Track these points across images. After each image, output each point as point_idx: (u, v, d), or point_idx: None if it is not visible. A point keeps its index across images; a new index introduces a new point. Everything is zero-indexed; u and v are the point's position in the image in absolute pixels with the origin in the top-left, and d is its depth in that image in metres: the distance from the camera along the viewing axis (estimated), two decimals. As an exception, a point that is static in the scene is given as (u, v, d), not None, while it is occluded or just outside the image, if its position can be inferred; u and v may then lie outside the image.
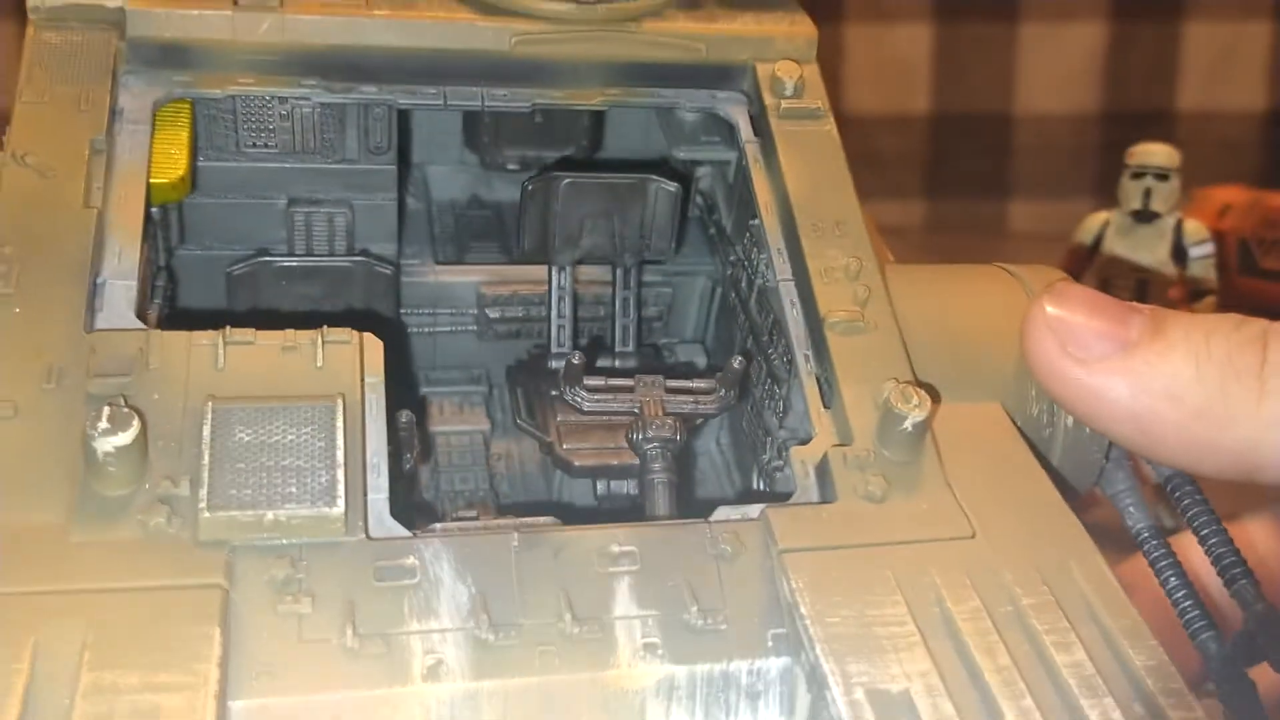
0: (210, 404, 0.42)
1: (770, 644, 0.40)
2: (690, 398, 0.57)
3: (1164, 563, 0.49)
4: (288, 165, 0.64)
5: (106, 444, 0.39)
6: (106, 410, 0.40)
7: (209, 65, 0.54)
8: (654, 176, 0.62)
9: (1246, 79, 2.15)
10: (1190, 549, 0.50)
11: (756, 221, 0.55)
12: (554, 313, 0.65)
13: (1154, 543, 0.50)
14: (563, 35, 0.57)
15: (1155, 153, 1.33)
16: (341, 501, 0.40)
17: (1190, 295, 1.36)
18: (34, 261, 0.46)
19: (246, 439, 0.41)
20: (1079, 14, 2.13)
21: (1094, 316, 0.47)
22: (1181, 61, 2.14)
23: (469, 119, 0.70)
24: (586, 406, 0.57)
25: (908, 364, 0.49)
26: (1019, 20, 2.13)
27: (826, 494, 0.46)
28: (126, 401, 0.41)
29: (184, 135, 0.55)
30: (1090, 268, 1.38)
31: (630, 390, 0.57)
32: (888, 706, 0.37)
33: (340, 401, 0.43)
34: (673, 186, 0.62)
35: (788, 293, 0.52)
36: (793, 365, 0.51)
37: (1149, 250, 1.34)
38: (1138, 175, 1.33)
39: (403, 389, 0.66)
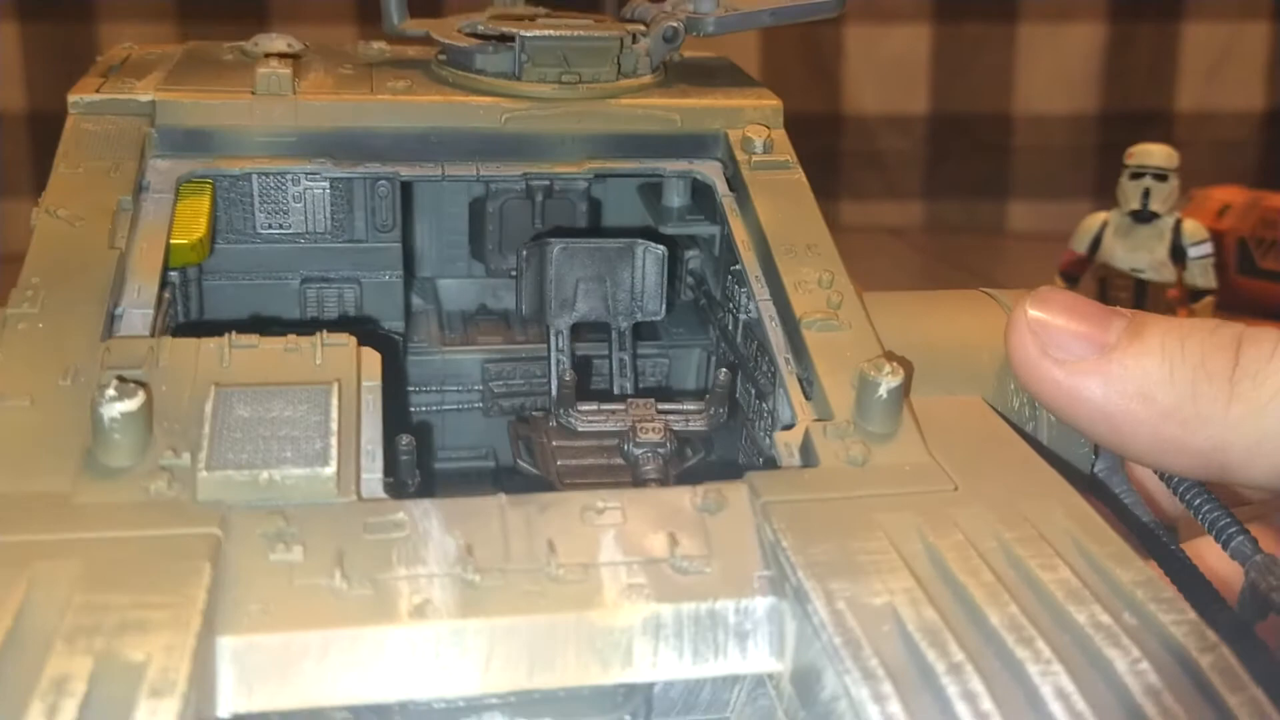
0: (214, 387, 0.45)
1: (756, 585, 0.40)
2: (681, 416, 0.60)
3: (1165, 552, 0.50)
4: (301, 246, 0.69)
5: (113, 409, 0.41)
6: (114, 381, 0.42)
7: (229, 148, 0.60)
8: (641, 240, 0.66)
9: (1245, 79, 2.15)
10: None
11: (738, 266, 0.58)
12: (553, 374, 0.67)
13: (1157, 535, 0.51)
14: (549, 112, 0.63)
15: (1154, 153, 1.33)
16: (334, 463, 0.42)
17: (1189, 295, 1.37)
18: (59, 289, 0.49)
19: (246, 415, 0.43)
20: (1078, 15, 2.13)
21: (1074, 320, 0.49)
22: (1180, 62, 2.15)
23: (474, 231, 0.75)
24: (580, 427, 0.59)
25: (882, 351, 0.51)
26: (1018, 21, 2.13)
27: (809, 462, 0.46)
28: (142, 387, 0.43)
29: (205, 204, 0.60)
30: (1089, 268, 1.39)
31: (623, 411, 0.59)
32: (870, 615, 0.37)
33: (336, 385, 0.45)
34: (659, 249, 0.66)
35: (766, 310, 0.55)
36: (776, 376, 0.52)
37: (1148, 251, 1.34)
38: (1136, 175, 1.33)
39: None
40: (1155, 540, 0.51)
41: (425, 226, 0.76)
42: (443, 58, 0.67)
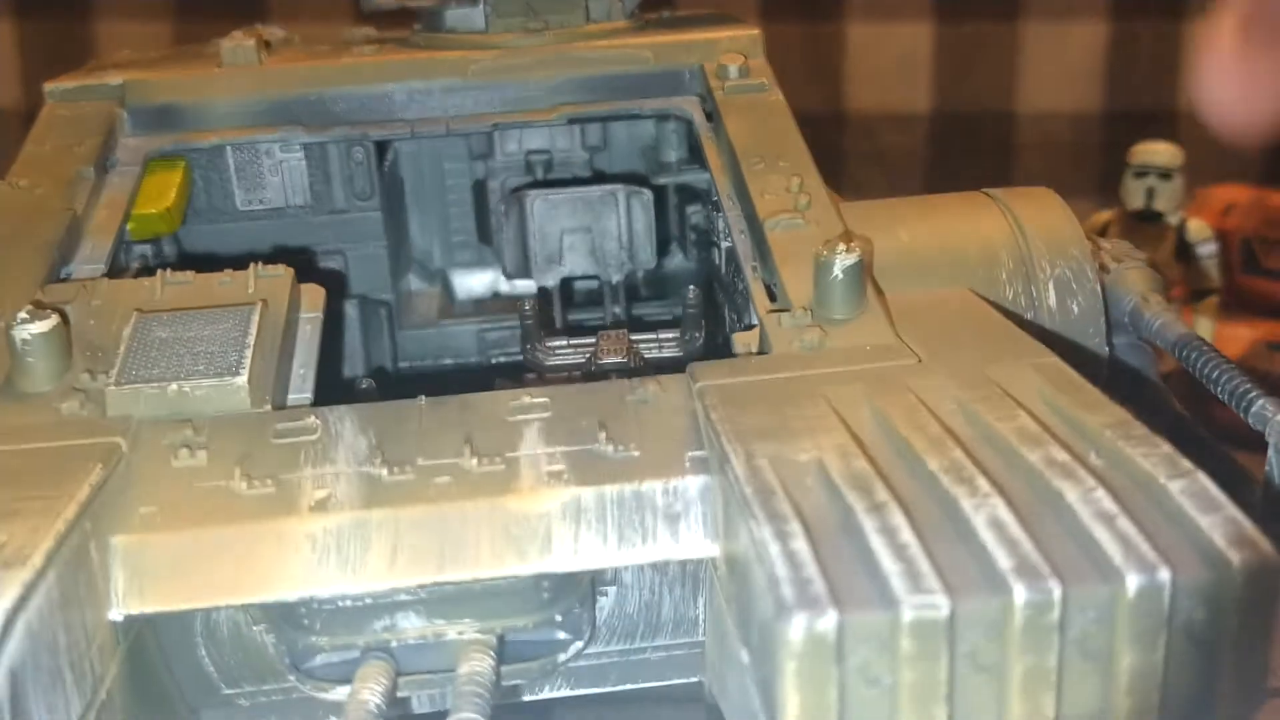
0: (135, 314, 0.44)
1: (688, 466, 0.37)
2: (654, 343, 0.58)
3: (1183, 428, 0.47)
4: (281, 221, 0.69)
5: (24, 331, 0.41)
6: (28, 307, 0.42)
7: (198, 123, 0.60)
8: (624, 185, 0.66)
9: (1249, 77, 2.14)
10: None
11: (718, 198, 0.56)
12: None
13: (1175, 411, 0.48)
14: (515, 61, 0.62)
15: (1158, 152, 1.33)
16: (245, 374, 0.41)
17: (1193, 295, 1.36)
18: (8, 247, 0.49)
19: (164, 336, 0.43)
20: (1081, 13, 2.12)
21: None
22: (1184, 60, 2.14)
23: (479, 213, 0.74)
24: (549, 362, 0.58)
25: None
26: (1021, 19, 2.12)
27: (764, 350, 0.44)
28: (60, 315, 0.43)
29: (175, 177, 0.60)
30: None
31: (592, 344, 0.58)
32: (792, 469, 0.34)
33: (260, 305, 0.44)
34: (645, 193, 0.65)
35: (736, 224, 0.53)
36: (748, 292, 0.50)
37: (1152, 250, 1.33)
38: (1140, 174, 1.33)
39: None
40: (1175, 418, 0.48)
41: (430, 218, 0.76)
42: (417, 28, 0.68)
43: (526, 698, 0.44)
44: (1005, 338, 0.44)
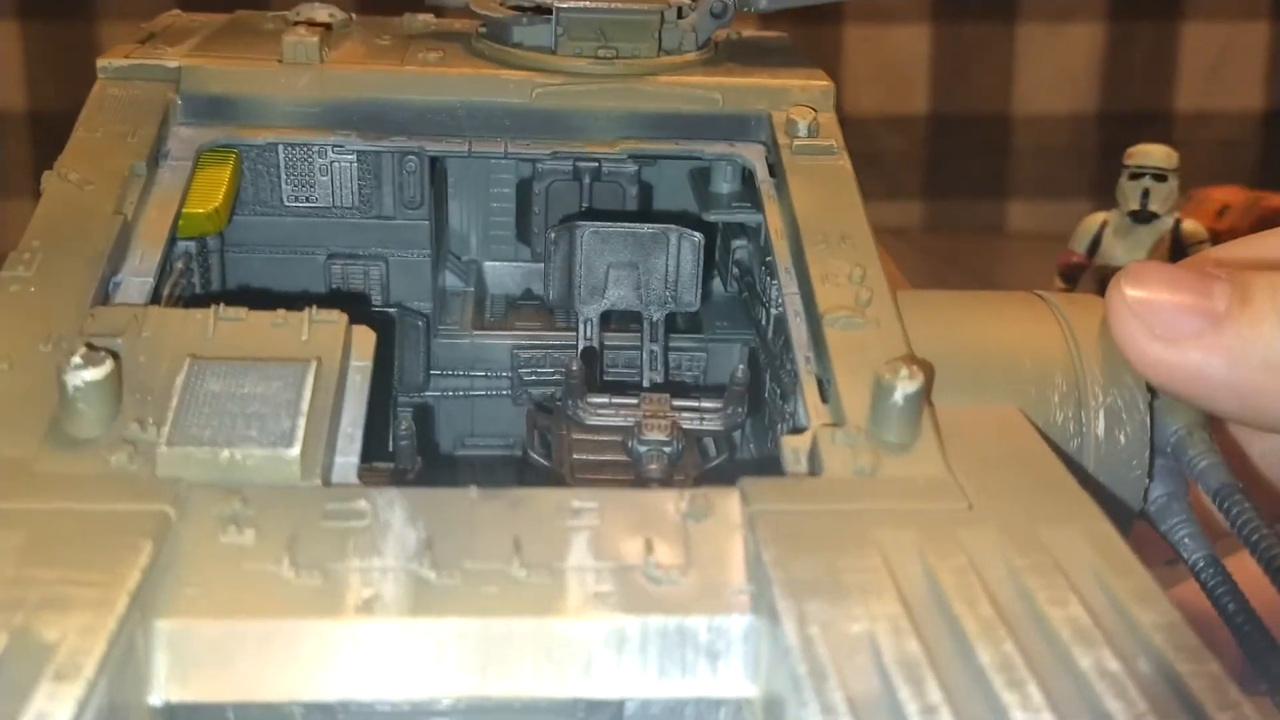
0: (188, 359, 0.43)
1: (734, 601, 0.36)
2: (696, 415, 0.56)
3: (1221, 589, 0.47)
4: (327, 220, 0.67)
5: (77, 378, 0.40)
6: (82, 349, 0.41)
7: (253, 117, 0.58)
8: (676, 226, 0.63)
9: (1244, 79, 2.15)
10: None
11: (771, 258, 0.55)
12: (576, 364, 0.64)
13: (1211, 570, 0.47)
14: (582, 88, 0.59)
15: (1153, 153, 1.33)
16: (299, 446, 0.40)
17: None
18: (56, 253, 0.48)
19: (217, 389, 0.42)
20: (1077, 15, 2.13)
21: (1175, 292, 0.46)
22: (1179, 62, 2.14)
23: (520, 212, 0.72)
24: (588, 420, 0.57)
25: (909, 351, 0.47)
26: (1017, 21, 2.13)
27: (814, 470, 0.43)
28: (113, 357, 0.42)
29: (225, 173, 0.58)
30: (1089, 268, 1.39)
31: (634, 405, 0.56)
32: (845, 643, 0.33)
33: (315, 364, 0.43)
34: (696, 236, 0.63)
35: (792, 304, 0.51)
36: (797, 378, 0.49)
37: (1147, 251, 1.34)
38: (1136, 176, 1.33)
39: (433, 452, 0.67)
40: (1215, 579, 0.47)
41: (470, 208, 0.74)
42: (483, 31, 0.64)
43: None
44: (1055, 485, 0.42)
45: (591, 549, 0.38)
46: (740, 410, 0.57)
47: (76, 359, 0.40)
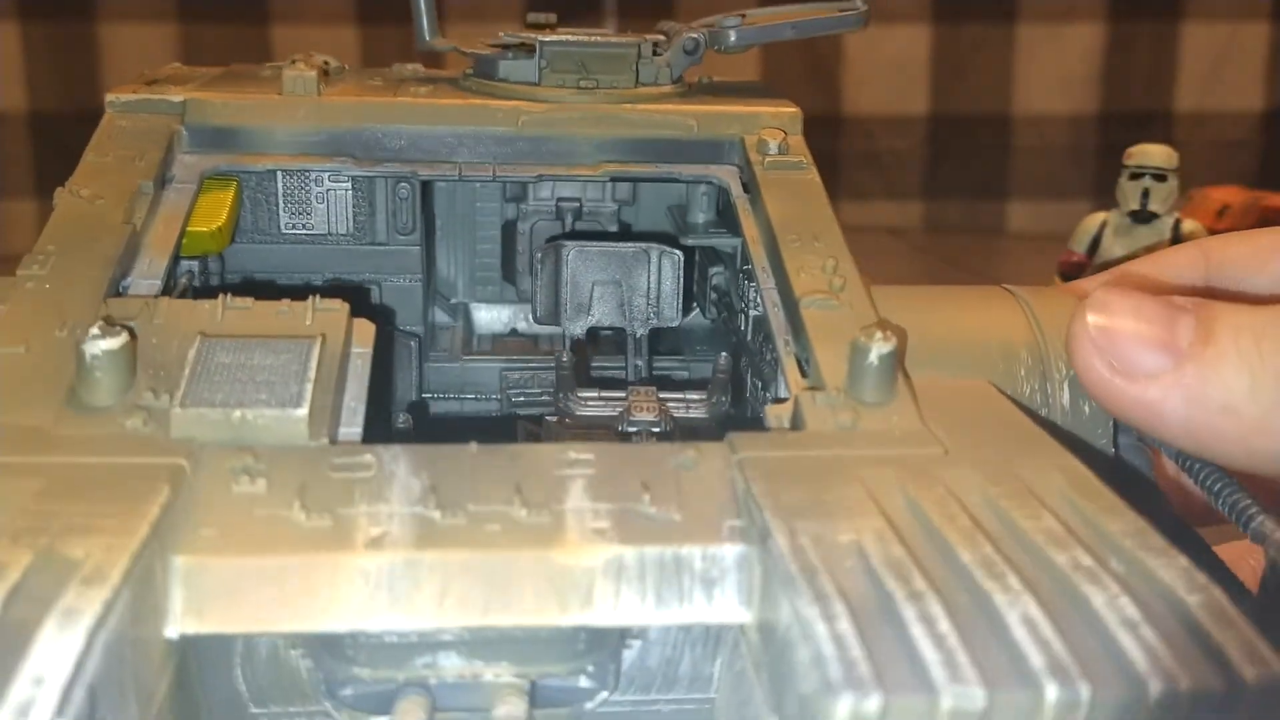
0: (199, 337, 0.45)
1: (726, 533, 0.38)
2: (682, 403, 0.59)
3: (1183, 533, 0.48)
4: (323, 247, 0.70)
5: (95, 347, 0.42)
6: (99, 322, 0.43)
7: (254, 146, 0.62)
8: (657, 245, 0.67)
9: (1244, 80, 2.15)
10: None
11: (749, 265, 0.58)
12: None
13: (1176, 518, 0.49)
14: (566, 115, 0.64)
15: (1153, 153, 1.33)
16: (307, 406, 0.42)
17: (1188, 295, 1.37)
18: (69, 256, 0.51)
19: (227, 361, 0.44)
20: (1077, 15, 2.13)
21: (1139, 323, 0.46)
22: (1179, 62, 2.15)
23: (506, 253, 0.76)
24: (579, 411, 0.59)
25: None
26: (1017, 21, 2.13)
27: (797, 427, 0.45)
28: (128, 332, 0.44)
29: (228, 196, 0.61)
30: (1089, 268, 1.39)
31: (623, 398, 0.59)
32: (834, 550, 0.36)
33: (320, 340, 0.46)
34: (676, 253, 0.66)
35: (770, 297, 0.54)
36: (779, 364, 0.51)
37: (1147, 250, 1.35)
38: (1136, 176, 1.34)
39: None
40: (1174, 523, 0.48)
41: (457, 252, 0.78)
42: (470, 71, 0.69)
43: None
44: (1026, 435, 0.45)
45: (589, 493, 0.40)
46: (724, 399, 0.59)
47: (94, 330, 0.43)
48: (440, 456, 0.41)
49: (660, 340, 0.72)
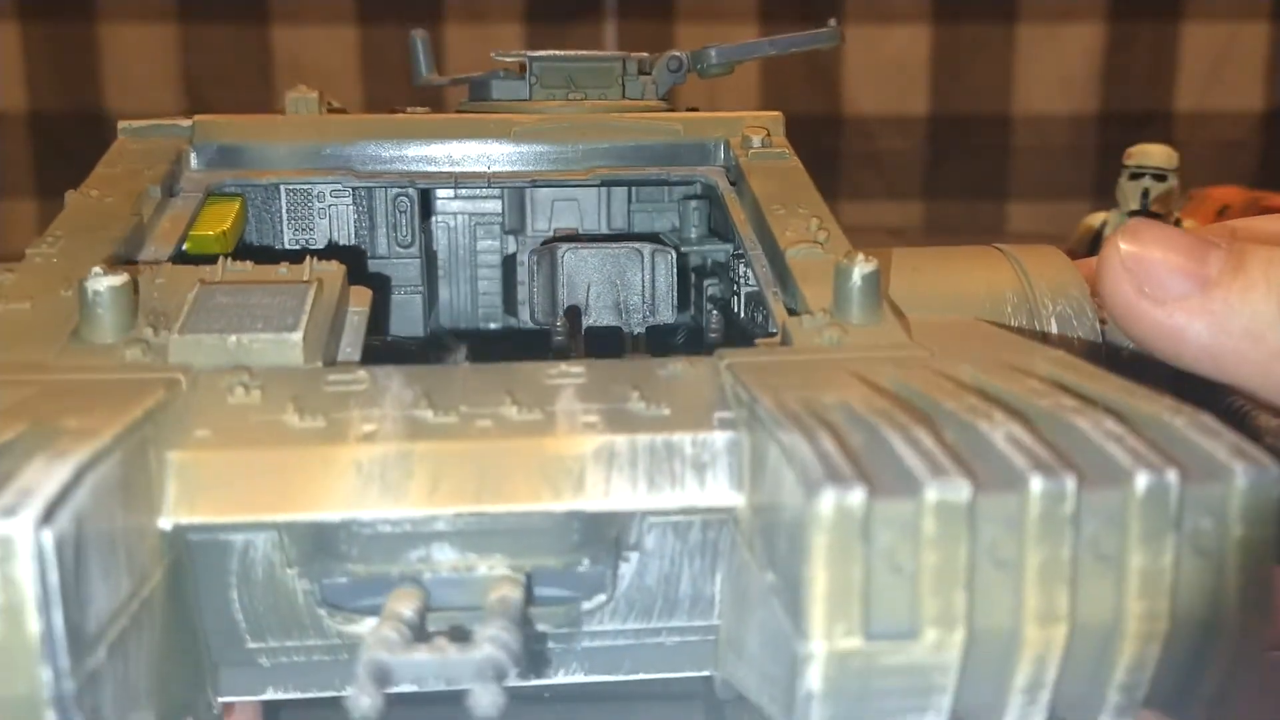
0: (199, 283, 0.47)
1: (716, 423, 0.39)
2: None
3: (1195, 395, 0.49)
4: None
5: (98, 283, 0.44)
6: (102, 264, 0.45)
7: (259, 164, 0.66)
8: (650, 243, 0.68)
9: (1244, 79, 2.15)
10: None
11: (740, 251, 0.59)
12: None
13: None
14: (555, 124, 0.67)
15: (1153, 153, 1.33)
16: (302, 330, 0.43)
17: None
18: (78, 239, 0.53)
19: (225, 301, 0.46)
20: (1077, 15, 2.13)
21: (1170, 253, 0.46)
22: (1179, 62, 2.15)
23: (506, 285, 0.79)
24: None
25: None
26: (1017, 21, 2.13)
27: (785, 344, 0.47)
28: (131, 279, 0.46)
29: (234, 206, 0.64)
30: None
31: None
32: (819, 406, 0.36)
33: (316, 283, 0.47)
34: (669, 251, 0.68)
35: (759, 260, 0.56)
36: (769, 317, 0.52)
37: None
38: (1136, 176, 1.33)
39: None
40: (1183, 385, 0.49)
41: (460, 287, 0.80)
42: (466, 101, 0.73)
43: (543, 680, 0.45)
44: (1014, 343, 0.46)
45: (579, 396, 0.41)
46: None
47: (97, 269, 0.44)
48: (433, 373, 0.43)
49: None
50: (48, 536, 0.30)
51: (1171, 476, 0.31)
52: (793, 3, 2.07)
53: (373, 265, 0.73)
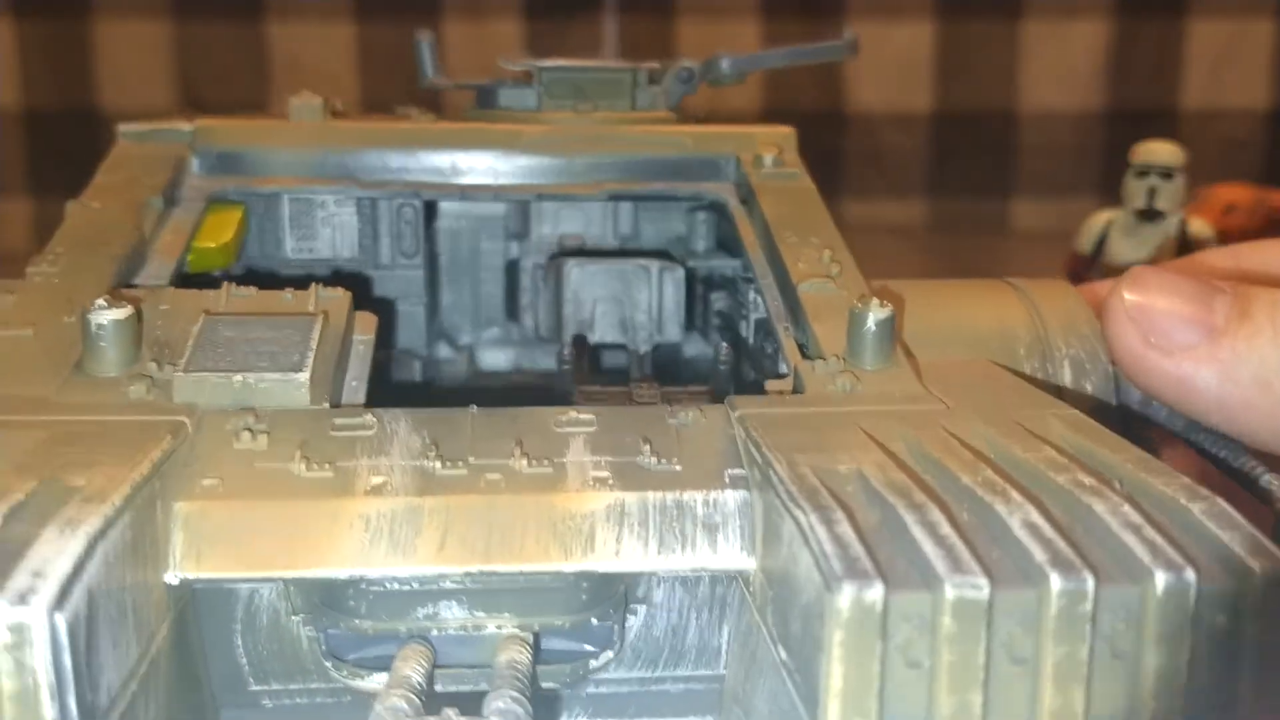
0: (203, 315, 0.46)
1: (728, 481, 0.39)
2: (683, 395, 0.59)
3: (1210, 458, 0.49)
4: (328, 273, 0.71)
5: (101, 317, 0.43)
6: (106, 296, 0.44)
7: (261, 171, 0.64)
8: (658, 261, 0.67)
9: (1250, 77, 2.14)
10: None
11: (749, 274, 0.58)
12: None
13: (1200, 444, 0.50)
14: (563, 137, 0.65)
15: (1159, 151, 1.32)
16: (308, 370, 0.43)
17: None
18: (79, 256, 0.52)
19: (231, 335, 0.45)
20: (1082, 12, 2.12)
21: (1175, 301, 0.46)
22: (1185, 59, 2.13)
23: (509, 291, 0.78)
24: (580, 403, 0.59)
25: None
26: (1022, 18, 2.12)
27: (797, 392, 0.46)
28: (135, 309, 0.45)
29: (235, 216, 0.63)
30: (1094, 266, 1.38)
31: (624, 392, 0.59)
32: (834, 476, 0.36)
33: (322, 317, 0.46)
34: (678, 270, 0.67)
35: (770, 291, 0.55)
36: (779, 351, 0.51)
37: (1153, 249, 1.33)
38: (1142, 174, 1.32)
39: None
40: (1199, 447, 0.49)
41: (462, 293, 0.79)
42: (472, 107, 0.71)
43: None
44: (1026, 394, 0.45)
45: (589, 447, 0.40)
46: (727, 391, 0.59)
47: (100, 302, 0.44)
48: (441, 418, 0.42)
49: (664, 369, 0.73)
50: (61, 621, 0.29)
51: (1190, 576, 0.31)
52: (794, -1, 2.06)
53: (375, 275, 0.72)
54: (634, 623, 0.43)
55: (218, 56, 2.00)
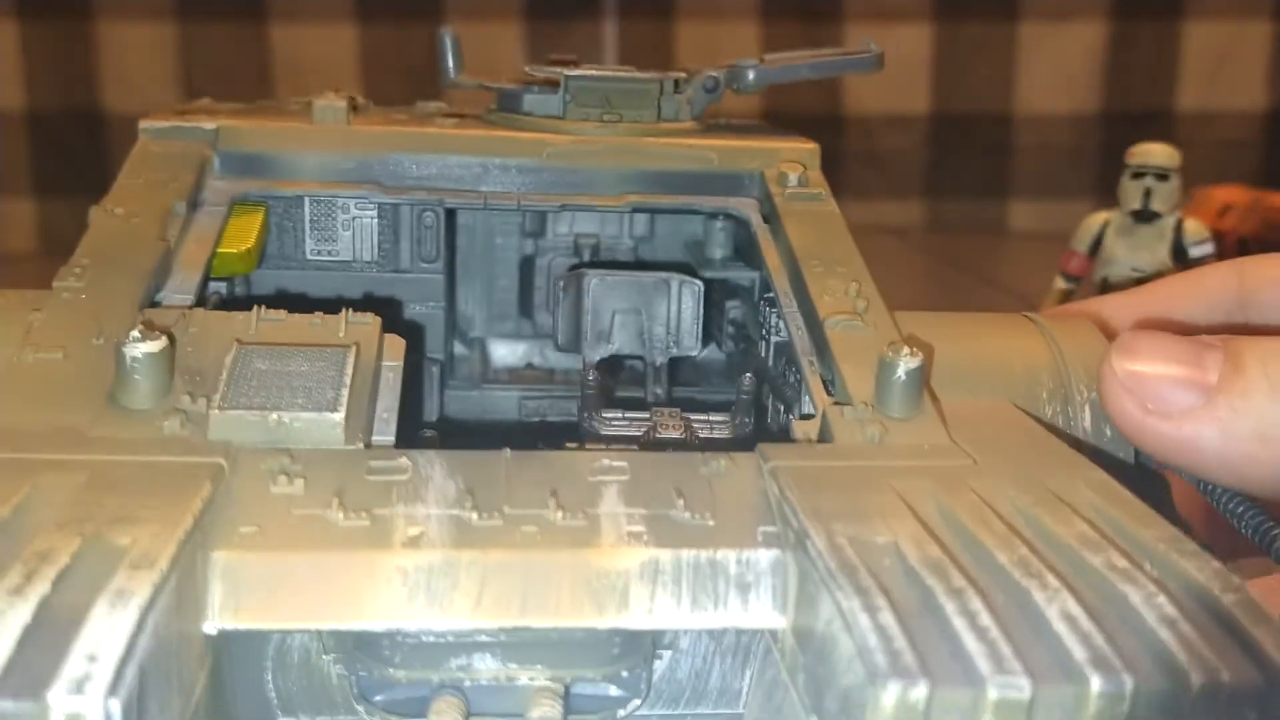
0: (236, 344, 0.46)
1: (760, 539, 0.39)
2: (706, 424, 0.59)
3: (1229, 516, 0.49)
4: (348, 274, 0.72)
5: (135, 350, 0.43)
6: (139, 327, 0.44)
7: (284, 173, 0.64)
8: (677, 274, 0.68)
9: (1246, 79, 2.15)
10: None
11: (771, 293, 0.59)
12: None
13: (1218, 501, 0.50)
14: (589, 148, 0.65)
15: (1155, 153, 1.33)
16: (343, 411, 0.43)
17: (1190, 295, 1.36)
18: (105, 269, 0.52)
19: (264, 368, 0.45)
20: (1079, 14, 2.13)
21: (1167, 364, 0.46)
22: (1181, 61, 2.14)
23: (524, 288, 0.78)
24: (604, 431, 0.59)
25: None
26: (1019, 20, 2.13)
27: (825, 440, 0.46)
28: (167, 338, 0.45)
29: (257, 220, 0.63)
30: (1091, 268, 1.38)
31: (647, 418, 0.59)
32: (871, 550, 0.36)
33: (354, 348, 0.47)
34: (696, 283, 0.67)
35: (794, 320, 0.55)
36: (802, 383, 0.51)
37: (1149, 250, 1.34)
38: (1138, 175, 1.33)
39: None
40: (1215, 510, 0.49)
41: (476, 287, 0.79)
42: (494, 107, 0.71)
43: None
44: (1052, 449, 0.46)
45: (623, 498, 0.40)
46: (748, 420, 0.59)
47: (135, 333, 0.44)
48: (475, 462, 0.42)
49: (677, 373, 0.73)
50: (116, 707, 0.29)
51: (1225, 677, 0.32)
52: (792, 0, 2.06)
53: (394, 279, 0.72)
54: (659, 666, 0.44)
55: (220, 57, 2.01)
